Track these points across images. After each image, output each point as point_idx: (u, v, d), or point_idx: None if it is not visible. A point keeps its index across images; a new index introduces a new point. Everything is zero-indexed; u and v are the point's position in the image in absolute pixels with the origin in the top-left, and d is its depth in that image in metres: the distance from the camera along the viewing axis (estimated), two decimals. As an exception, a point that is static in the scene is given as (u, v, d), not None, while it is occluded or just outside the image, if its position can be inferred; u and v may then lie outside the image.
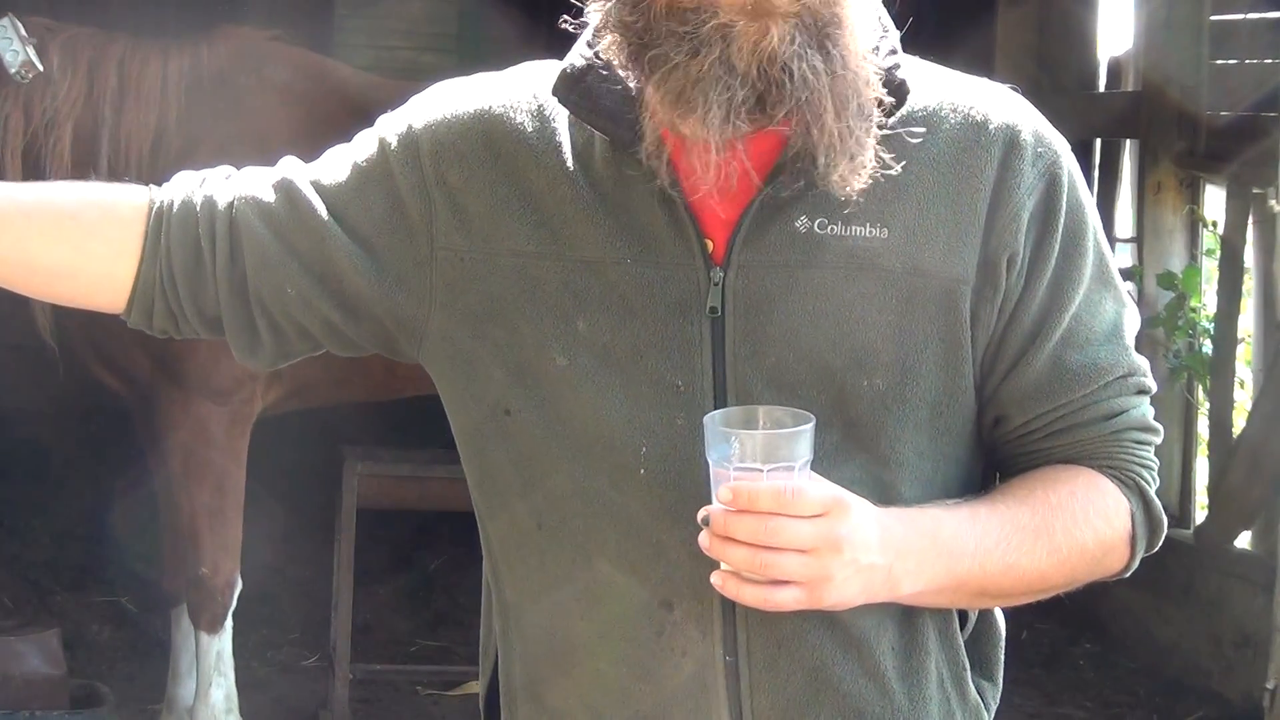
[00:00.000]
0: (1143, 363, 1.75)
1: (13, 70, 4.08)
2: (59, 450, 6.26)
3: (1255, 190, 5.47)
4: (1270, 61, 5.56)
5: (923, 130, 1.67)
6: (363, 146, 1.78)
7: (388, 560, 5.47)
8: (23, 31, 4.08)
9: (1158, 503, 1.76)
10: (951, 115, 1.69)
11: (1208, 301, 5.87)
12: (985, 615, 1.80)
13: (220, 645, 4.46)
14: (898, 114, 1.66)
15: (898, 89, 1.65)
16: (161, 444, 4.41)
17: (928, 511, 1.64)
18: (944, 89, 1.71)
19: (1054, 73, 6.45)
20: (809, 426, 1.55)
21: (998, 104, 1.72)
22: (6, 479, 6.12)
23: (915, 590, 1.62)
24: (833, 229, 1.65)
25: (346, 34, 6.79)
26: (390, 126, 1.77)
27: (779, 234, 1.66)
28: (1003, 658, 1.82)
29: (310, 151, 1.87)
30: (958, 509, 1.66)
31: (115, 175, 4.20)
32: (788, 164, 1.64)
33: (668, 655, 1.67)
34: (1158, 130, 5.90)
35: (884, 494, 1.65)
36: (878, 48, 1.66)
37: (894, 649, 1.70)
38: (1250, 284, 5.69)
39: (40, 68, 4.11)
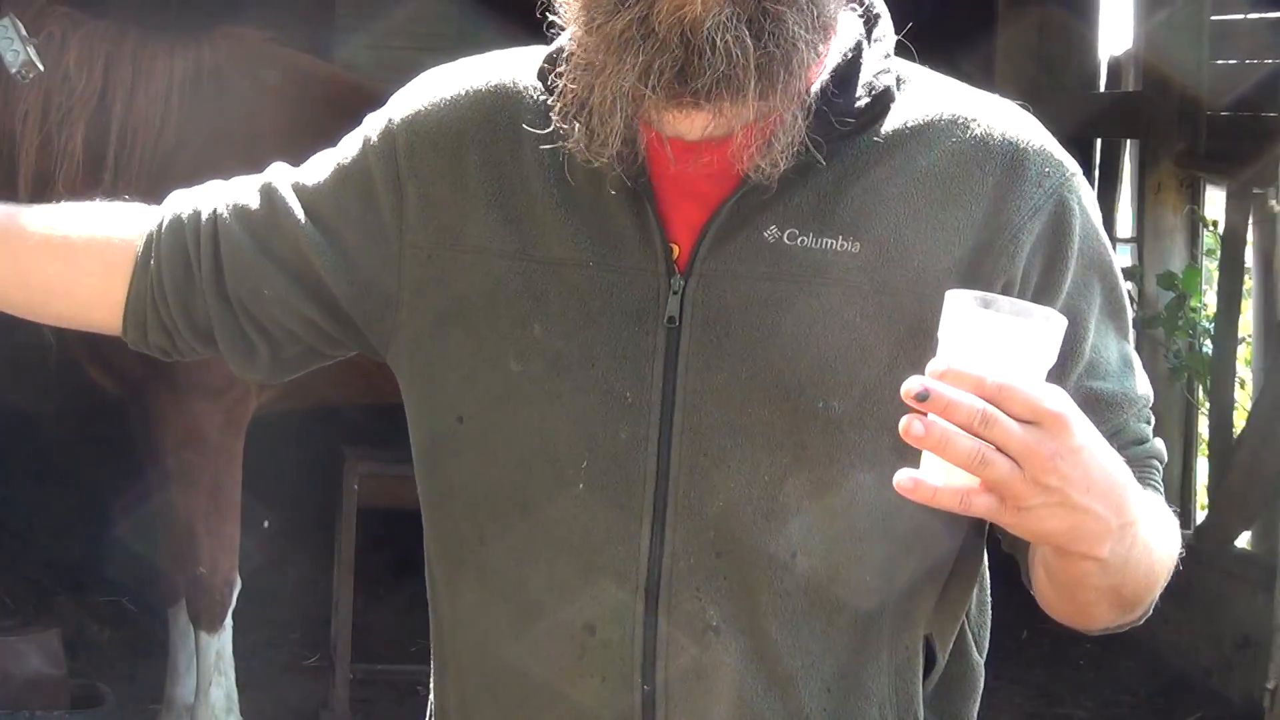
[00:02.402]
0: (1150, 390, 1.66)
1: (14, 70, 4.07)
2: (59, 450, 6.26)
3: (1255, 190, 5.47)
4: (1270, 61, 5.56)
5: (890, 132, 1.58)
6: (346, 145, 1.77)
7: (388, 560, 5.46)
8: (23, 31, 4.08)
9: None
10: (950, 129, 1.60)
11: (1208, 301, 5.87)
12: (960, 660, 1.68)
13: (220, 644, 4.46)
14: (885, 123, 1.58)
15: (879, 96, 1.58)
16: (155, 444, 4.41)
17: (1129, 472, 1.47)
18: (945, 100, 1.62)
19: (1054, 73, 6.45)
20: (1050, 324, 1.37)
21: (1002, 120, 1.61)
22: (6, 479, 6.12)
23: (1105, 558, 1.44)
24: (803, 240, 1.56)
25: (346, 34, 6.78)
26: (373, 122, 1.75)
27: (745, 243, 1.57)
28: (975, 716, 1.69)
29: (299, 154, 1.87)
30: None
31: (121, 170, 4.22)
32: (762, 165, 1.55)
33: (586, 679, 1.60)
34: (1158, 130, 5.90)
35: (845, 520, 1.55)
36: (858, 48, 1.59)
37: (828, 689, 1.58)
38: (1250, 284, 5.69)
39: (41, 67, 4.11)
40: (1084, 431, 1.37)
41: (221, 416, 4.38)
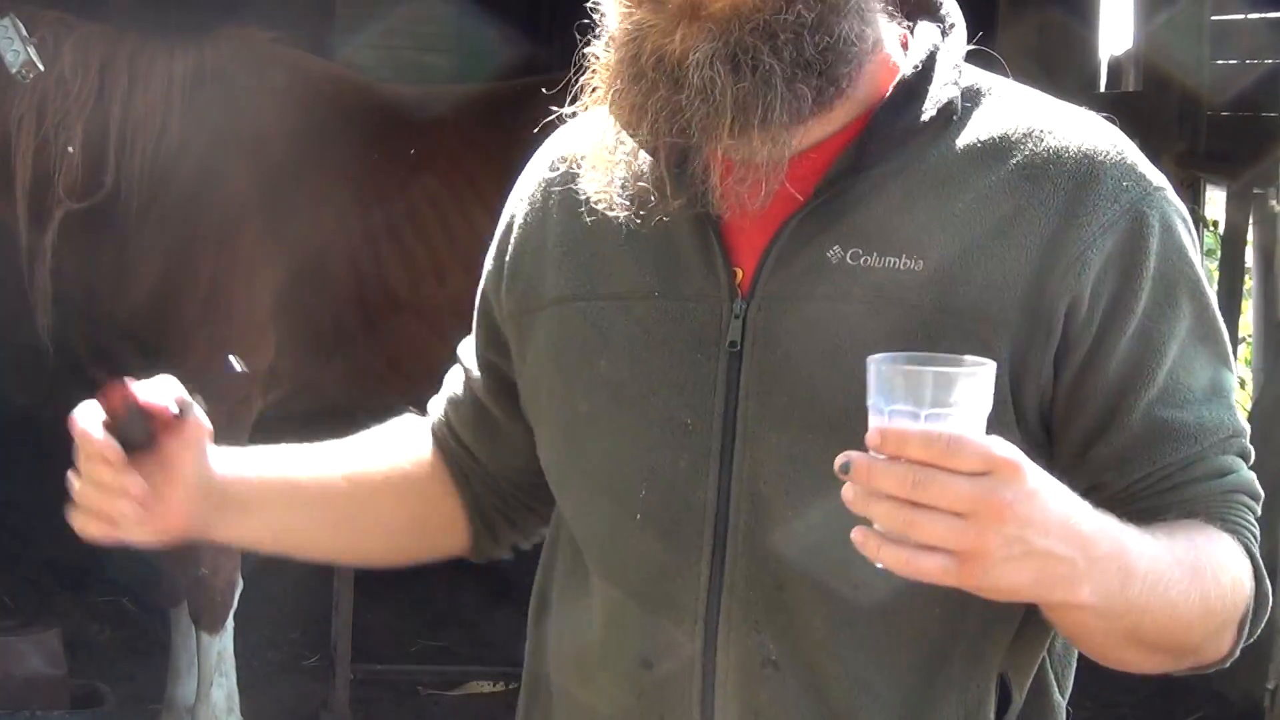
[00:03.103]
0: (1246, 425, 1.58)
1: (14, 70, 4.08)
2: (59, 451, 6.26)
3: (1255, 190, 5.48)
4: (1270, 61, 5.56)
5: (961, 146, 1.53)
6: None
7: (388, 560, 5.46)
8: (23, 31, 4.08)
9: (1266, 580, 1.54)
10: (1023, 141, 1.54)
11: (1208, 301, 5.87)
12: (1038, 699, 1.60)
13: (221, 645, 4.46)
14: (957, 137, 1.54)
15: (944, 109, 1.53)
16: None
17: (1101, 513, 1.40)
18: (1020, 113, 1.57)
19: (1054, 73, 6.44)
20: (984, 370, 1.34)
21: (1080, 131, 1.55)
22: (7, 479, 6.12)
23: (1090, 603, 1.37)
24: (866, 259, 1.51)
25: (347, 34, 6.78)
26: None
27: (808, 264, 1.53)
28: None
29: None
30: (1141, 530, 1.43)
31: (122, 173, 4.22)
32: (826, 185, 1.53)
33: (646, 718, 1.58)
34: (1158, 130, 5.90)
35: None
36: (931, 60, 1.55)
37: None
38: (1250, 284, 5.69)
39: (41, 67, 4.11)
40: (1036, 475, 1.32)
41: (224, 418, 4.36)
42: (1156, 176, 1.55)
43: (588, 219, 1.61)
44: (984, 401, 1.34)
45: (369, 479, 1.79)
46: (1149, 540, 1.42)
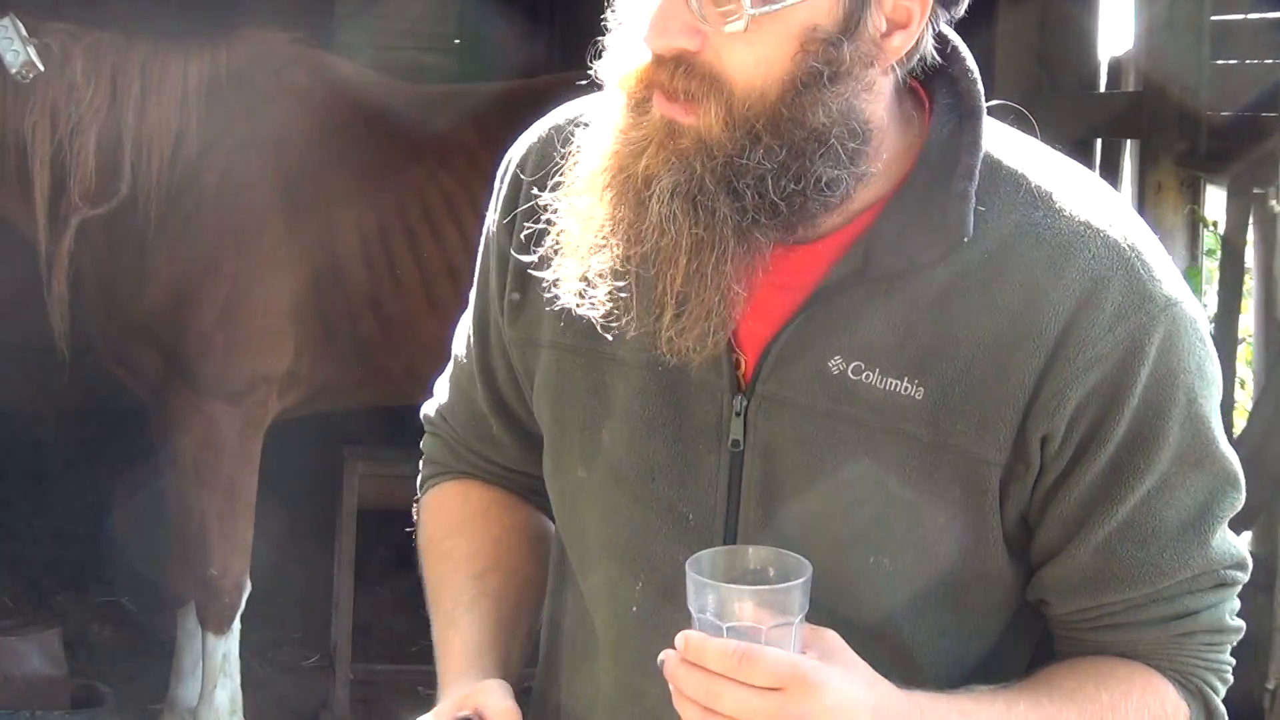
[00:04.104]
0: (1227, 554, 1.54)
1: (14, 70, 4.08)
2: (59, 450, 6.26)
3: (1256, 190, 5.47)
4: (1270, 61, 5.56)
5: (968, 259, 1.46)
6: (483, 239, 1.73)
7: (388, 560, 5.47)
8: (23, 31, 4.08)
9: (1222, 710, 1.57)
10: (1030, 253, 1.45)
11: (1208, 301, 5.87)
12: None
13: (226, 647, 4.46)
14: (969, 247, 1.46)
15: (954, 227, 1.45)
16: (173, 444, 4.41)
17: (957, 702, 1.43)
18: (1028, 207, 1.48)
19: (1054, 73, 6.44)
20: (795, 583, 1.37)
21: (1091, 241, 1.46)
22: (6, 479, 6.12)
23: None
24: (867, 375, 1.46)
25: (347, 34, 6.78)
26: (490, 216, 1.71)
27: (809, 371, 1.48)
28: None
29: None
30: (992, 701, 1.44)
31: (138, 179, 4.23)
32: (831, 286, 1.48)
33: None
34: (1158, 130, 5.89)
35: (900, 672, 1.45)
36: (945, 169, 1.47)
37: None
38: (1251, 284, 5.69)
39: (41, 68, 4.11)
40: (836, 691, 1.33)
41: (241, 419, 4.38)
42: (1171, 287, 1.47)
43: (602, 262, 1.51)
44: (791, 614, 1.36)
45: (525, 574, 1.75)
46: (1019, 715, 1.42)
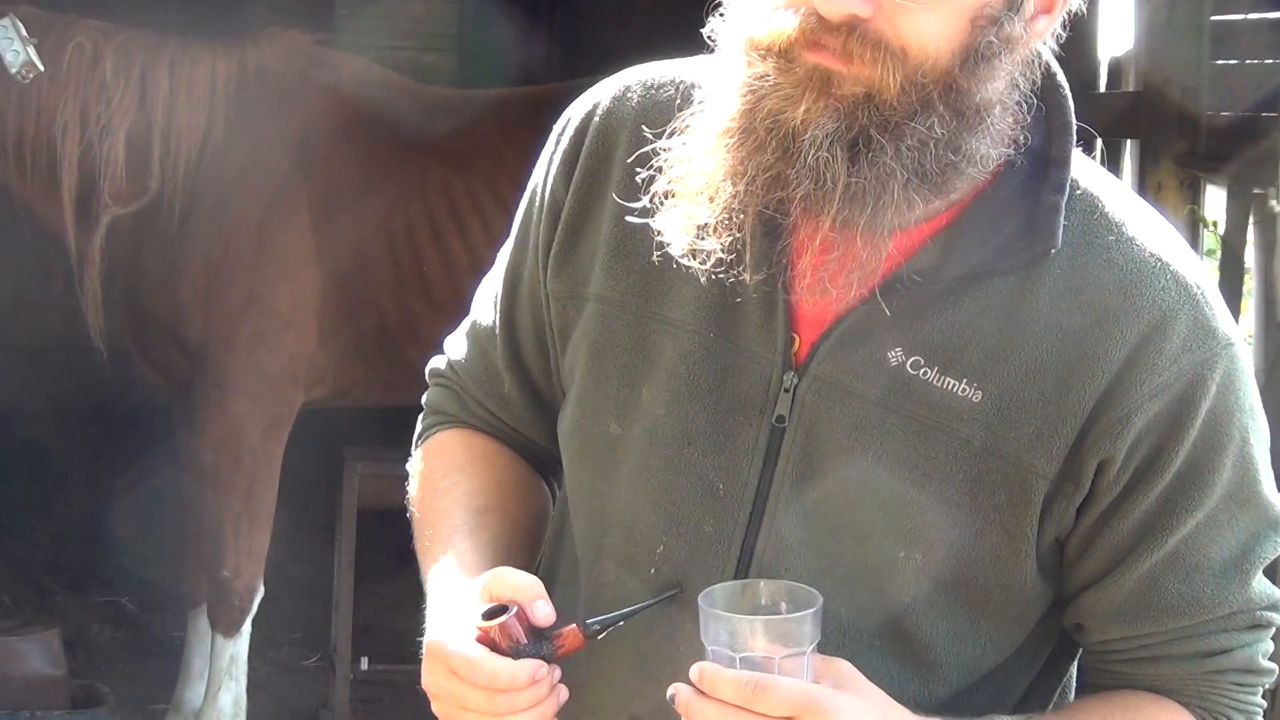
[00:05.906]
0: (1265, 595, 1.52)
1: (13, 70, 4.09)
2: (59, 451, 6.25)
3: (1256, 190, 5.47)
4: (1270, 61, 5.56)
5: (1041, 274, 1.46)
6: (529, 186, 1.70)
7: (388, 560, 5.46)
8: (23, 32, 4.09)
9: None
10: (1100, 275, 1.47)
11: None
12: None
13: (235, 650, 4.46)
14: (1045, 260, 1.46)
15: (1038, 238, 1.46)
16: (195, 442, 4.42)
17: None
18: (1102, 230, 1.49)
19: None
20: (805, 613, 1.38)
21: (1161, 274, 1.47)
22: (6, 479, 6.12)
23: None
24: (925, 372, 1.46)
25: (347, 34, 6.78)
26: (540, 168, 1.68)
27: (867, 359, 1.48)
28: None
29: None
30: None
31: (166, 177, 4.25)
32: (903, 277, 1.46)
33: None
34: (1158, 130, 5.89)
35: (911, 672, 1.49)
36: (1037, 176, 1.48)
37: None
38: (1250, 284, 5.69)
39: (41, 67, 4.12)
40: (855, 714, 1.35)
41: (265, 418, 4.39)
42: (1230, 327, 1.49)
43: (653, 219, 1.51)
44: (803, 644, 1.37)
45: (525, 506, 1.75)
46: None
